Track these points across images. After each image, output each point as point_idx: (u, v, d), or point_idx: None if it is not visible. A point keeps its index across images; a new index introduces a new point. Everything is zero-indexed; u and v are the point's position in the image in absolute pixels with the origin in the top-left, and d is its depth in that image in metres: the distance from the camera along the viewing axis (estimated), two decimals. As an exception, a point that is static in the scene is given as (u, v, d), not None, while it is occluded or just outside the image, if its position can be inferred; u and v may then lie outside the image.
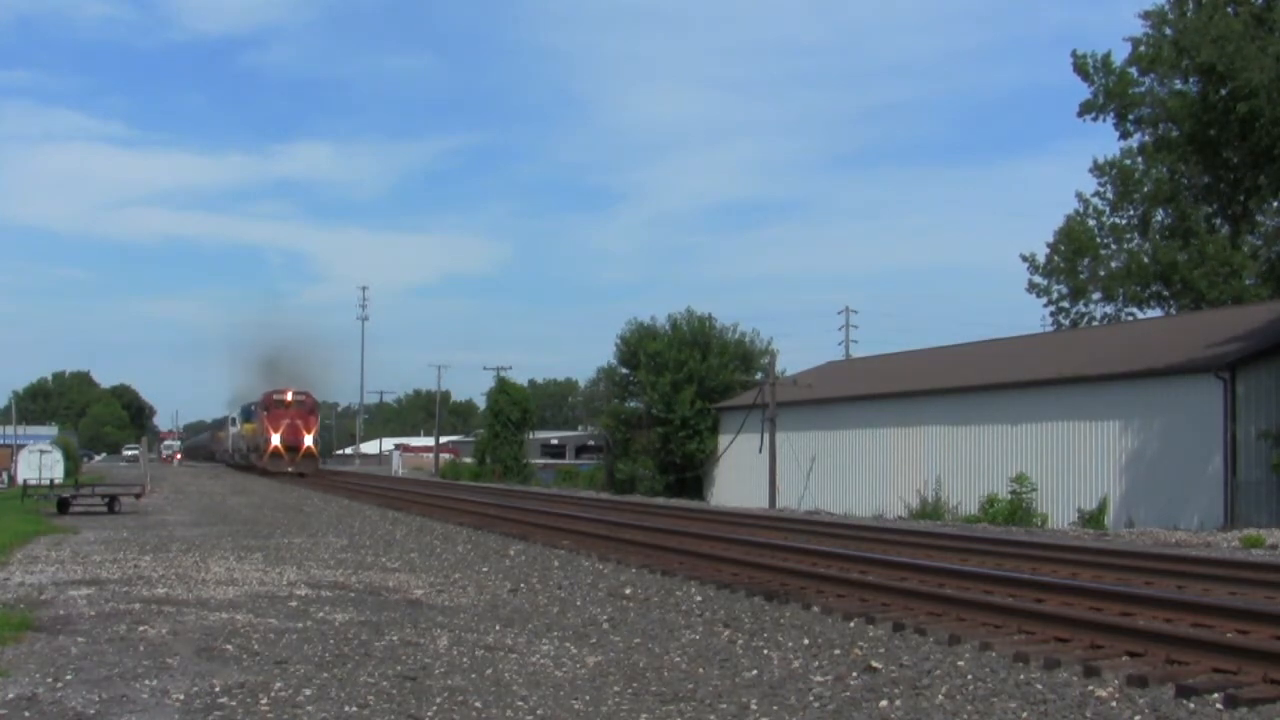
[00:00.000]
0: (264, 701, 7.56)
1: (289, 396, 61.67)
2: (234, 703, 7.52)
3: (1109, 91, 34.25)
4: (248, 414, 69.76)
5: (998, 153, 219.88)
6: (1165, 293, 54.84)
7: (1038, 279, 59.82)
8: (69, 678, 8.28)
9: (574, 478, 66.39)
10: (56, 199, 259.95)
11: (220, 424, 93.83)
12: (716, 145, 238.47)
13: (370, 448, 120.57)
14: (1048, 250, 59.60)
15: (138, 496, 29.92)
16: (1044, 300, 59.78)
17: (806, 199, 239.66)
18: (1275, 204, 36.52)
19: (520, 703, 7.59)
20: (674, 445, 52.82)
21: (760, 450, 44.71)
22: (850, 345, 76.67)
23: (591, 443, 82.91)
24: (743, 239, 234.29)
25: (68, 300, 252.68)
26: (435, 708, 7.45)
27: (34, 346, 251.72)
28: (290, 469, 57.70)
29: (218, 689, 7.90)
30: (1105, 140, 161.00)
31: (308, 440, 60.41)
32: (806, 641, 9.78)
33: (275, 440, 59.18)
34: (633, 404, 60.01)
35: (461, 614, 11.49)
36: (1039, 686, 7.96)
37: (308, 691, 7.85)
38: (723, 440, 51.03)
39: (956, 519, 32.99)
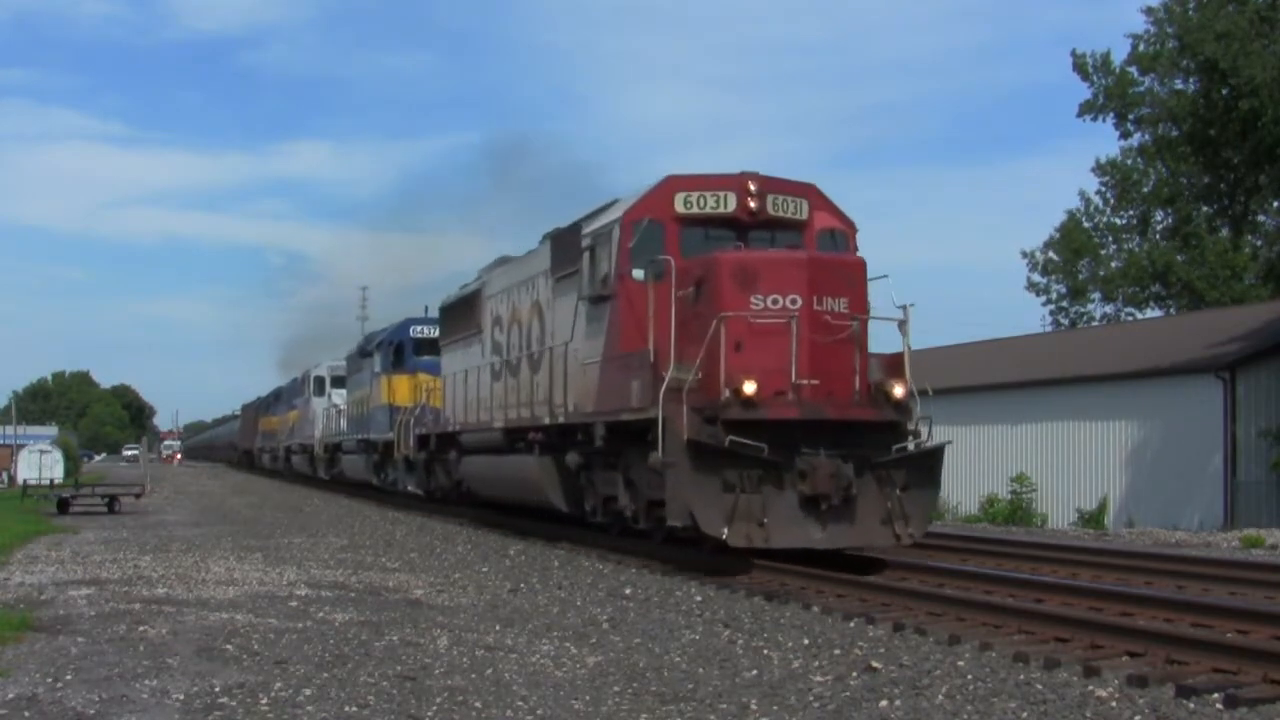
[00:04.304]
0: (264, 701, 7.56)
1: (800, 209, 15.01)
2: (234, 703, 7.52)
3: (1109, 91, 34.30)
4: (399, 353, 29.28)
5: (998, 153, 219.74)
6: (1164, 294, 54.86)
7: (1036, 278, 59.86)
8: (69, 678, 8.28)
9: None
10: (55, 198, 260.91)
11: (270, 401, 54.65)
12: (717, 144, 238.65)
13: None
14: (1041, 249, 59.65)
15: (138, 496, 29.88)
16: (1043, 299, 59.86)
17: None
18: (1276, 204, 36.52)
19: (520, 703, 7.59)
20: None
21: (760, 450, 44.53)
22: (850, 345, 76.39)
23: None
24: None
25: (67, 300, 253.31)
26: (435, 708, 7.45)
27: (34, 346, 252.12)
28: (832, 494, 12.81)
29: (218, 689, 7.90)
30: (1105, 140, 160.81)
31: (898, 389, 13.63)
32: (806, 641, 9.77)
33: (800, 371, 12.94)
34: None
35: (461, 614, 11.48)
36: (1039, 686, 7.95)
37: (308, 691, 7.85)
38: (723, 440, 50.85)
39: (956, 519, 32.98)
